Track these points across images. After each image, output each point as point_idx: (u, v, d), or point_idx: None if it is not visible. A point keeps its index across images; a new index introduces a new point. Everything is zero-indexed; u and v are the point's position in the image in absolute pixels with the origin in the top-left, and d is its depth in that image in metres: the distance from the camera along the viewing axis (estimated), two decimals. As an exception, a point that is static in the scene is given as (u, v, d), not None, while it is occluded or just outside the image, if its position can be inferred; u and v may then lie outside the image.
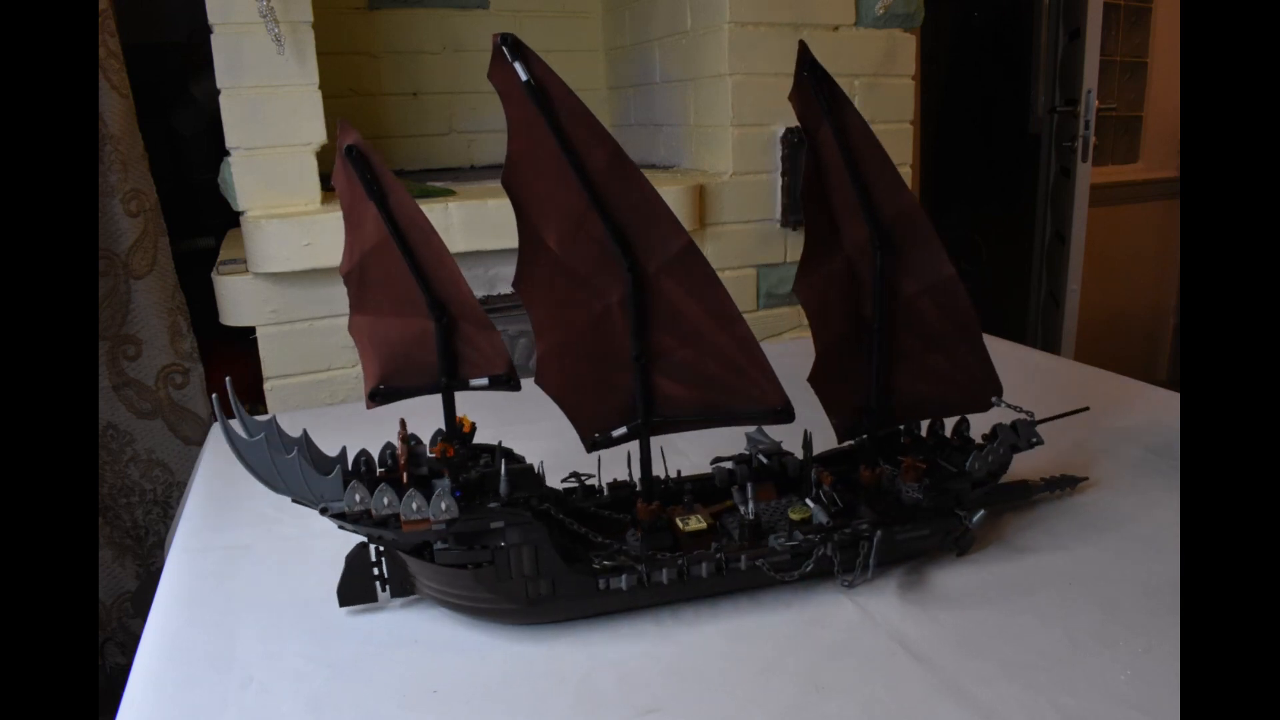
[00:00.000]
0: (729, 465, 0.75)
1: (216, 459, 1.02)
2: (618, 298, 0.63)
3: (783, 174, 1.76)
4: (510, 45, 0.56)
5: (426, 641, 0.65)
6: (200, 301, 1.58)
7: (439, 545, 0.64)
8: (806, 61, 0.62)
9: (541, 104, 0.57)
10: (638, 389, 0.66)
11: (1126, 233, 3.33)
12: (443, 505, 0.63)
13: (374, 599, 0.69)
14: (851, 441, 0.76)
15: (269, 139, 1.44)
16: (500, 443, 0.74)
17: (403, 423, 0.72)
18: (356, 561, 0.68)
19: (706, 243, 1.74)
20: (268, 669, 0.62)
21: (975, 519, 0.70)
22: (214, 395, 0.63)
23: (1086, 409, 0.85)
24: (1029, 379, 1.19)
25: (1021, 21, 3.01)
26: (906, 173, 1.93)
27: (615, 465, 0.73)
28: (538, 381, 0.67)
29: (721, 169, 1.74)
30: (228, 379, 0.67)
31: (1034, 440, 0.75)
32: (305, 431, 0.68)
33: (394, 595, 0.69)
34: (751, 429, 0.75)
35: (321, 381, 1.51)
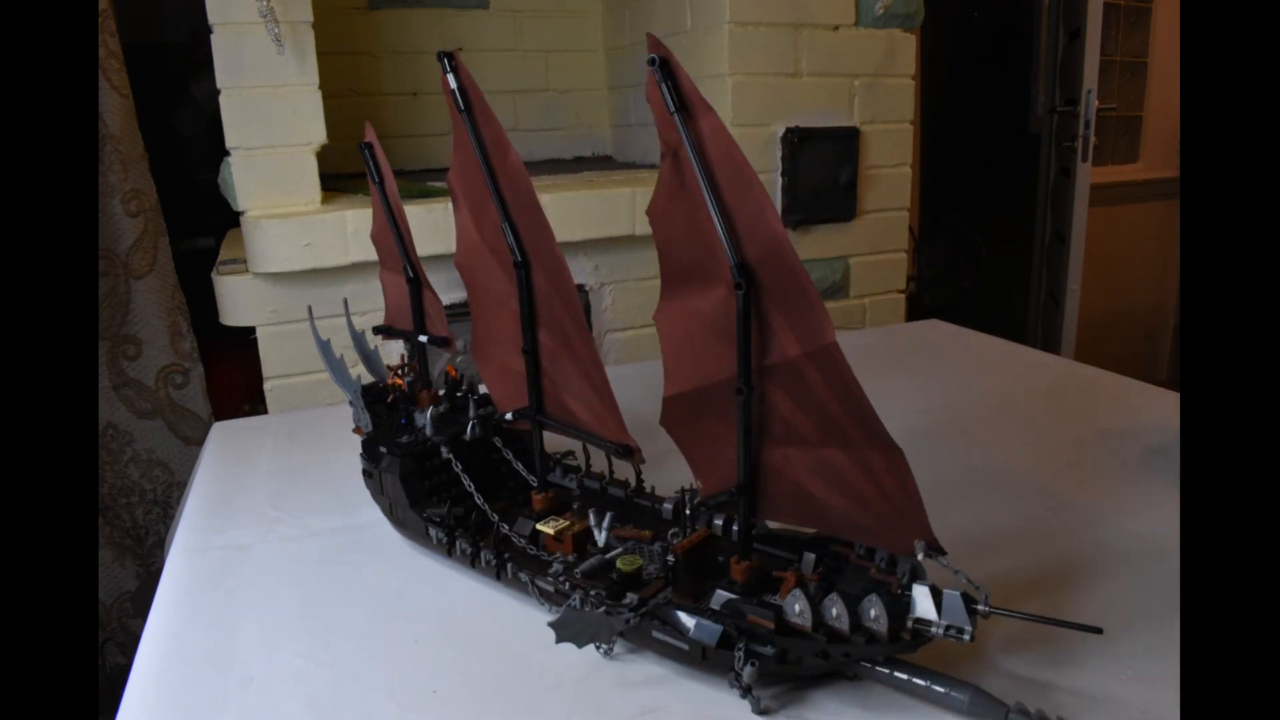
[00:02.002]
0: (679, 496, 0.68)
1: (216, 459, 1.02)
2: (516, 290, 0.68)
3: (783, 174, 1.76)
4: (446, 59, 0.63)
5: (426, 641, 0.65)
6: (200, 301, 1.58)
7: (362, 451, 0.79)
8: (653, 56, 0.50)
9: (464, 110, 0.64)
10: (530, 380, 0.69)
11: (1126, 233, 3.33)
12: (363, 421, 0.79)
13: None
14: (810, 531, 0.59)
15: (269, 139, 1.44)
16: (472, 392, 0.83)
17: (402, 357, 0.88)
18: None
19: (706, 243, 1.73)
20: (268, 669, 0.62)
21: (745, 668, 0.54)
22: (309, 309, 0.88)
23: (1100, 630, 0.52)
24: (1029, 379, 1.19)
25: (1021, 21, 3.02)
26: (906, 173, 1.93)
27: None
28: (473, 359, 0.75)
29: (721, 169, 1.74)
30: (308, 307, 0.90)
31: (954, 630, 0.51)
32: (376, 349, 0.89)
33: None
34: None
35: (322, 381, 1.50)
